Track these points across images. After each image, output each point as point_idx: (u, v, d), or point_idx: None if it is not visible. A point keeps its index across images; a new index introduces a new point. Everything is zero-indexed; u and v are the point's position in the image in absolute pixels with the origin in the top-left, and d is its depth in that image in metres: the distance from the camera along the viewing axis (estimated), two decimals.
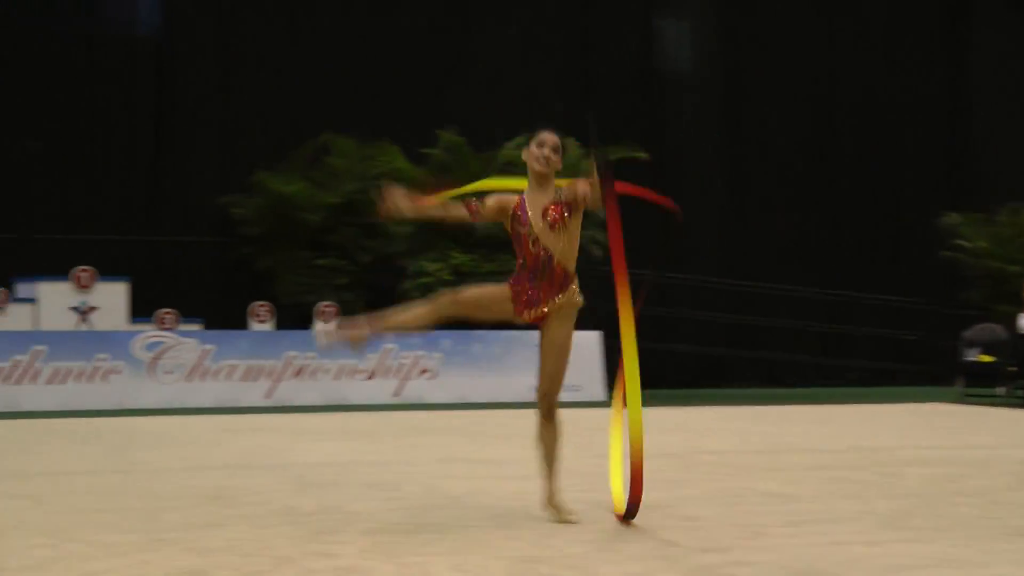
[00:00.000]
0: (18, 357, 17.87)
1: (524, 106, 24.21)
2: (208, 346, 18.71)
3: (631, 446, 7.43)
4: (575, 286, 7.82)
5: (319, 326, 8.02)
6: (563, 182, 7.89)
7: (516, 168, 18.19)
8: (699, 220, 24.85)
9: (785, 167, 26.83)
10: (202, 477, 10.21)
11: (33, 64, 22.00)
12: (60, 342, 18.19)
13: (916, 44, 27.90)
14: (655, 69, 26.28)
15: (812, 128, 27.17)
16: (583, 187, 7.57)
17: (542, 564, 6.43)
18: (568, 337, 7.78)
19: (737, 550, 6.82)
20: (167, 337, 18.63)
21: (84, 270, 19.23)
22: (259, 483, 9.78)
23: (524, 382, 19.98)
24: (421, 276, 20.74)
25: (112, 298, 19.42)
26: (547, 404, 7.83)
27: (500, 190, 8.13)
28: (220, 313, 22.15)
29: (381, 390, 19.49)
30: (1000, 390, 20.52)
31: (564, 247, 7.73)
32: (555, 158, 7.83)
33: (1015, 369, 20.24)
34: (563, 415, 7.92)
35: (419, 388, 19.66)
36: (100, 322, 19.14)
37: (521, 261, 7.78)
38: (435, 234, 21.35)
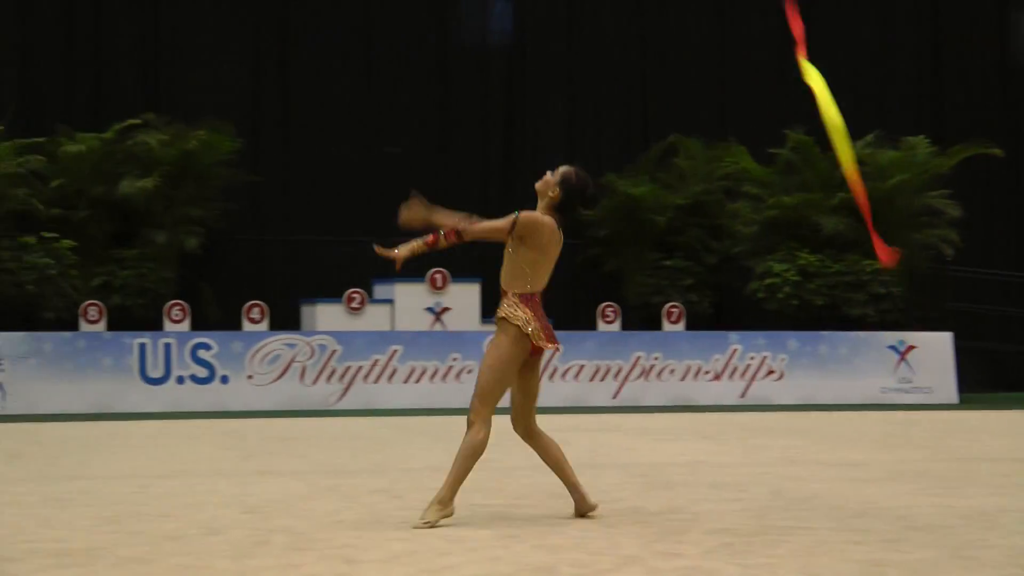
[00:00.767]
0: (376, 356, 18.50)
1: (871, 105, 23.73)
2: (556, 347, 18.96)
3: None
4: None
5: None
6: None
7: (865, 168, 17.64)
8: None
9: None
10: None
11: (390, 74, 22.72)
12: (415, 342, 18.74)
13: None
14: (1009, 64, 25.36)
15: None
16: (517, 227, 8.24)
17: (890, 568, 6.30)
18: None
19: None
20: None
21: (439, 272, 19.75)
22: (606, 482, 9.86)
23: (873, 384, 19.61)
24: (767, 277, 20.56)
25: (465, 299, 19.88)
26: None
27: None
28: (568, 314, 22.42)
29: (727, 391, 19.40)
30: None
31: (506, 271, 8.30)
32: (540, 186, 8.63)
33: None
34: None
35: (765, 389, 19.49)
36: (453, 322, 19.63)
37: (541, 289, 8.19)
38: (781, 234, 21.13)
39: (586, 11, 23.64)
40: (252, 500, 8.83)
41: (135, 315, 19.18)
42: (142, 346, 17.65)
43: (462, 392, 18.41)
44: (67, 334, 17.57)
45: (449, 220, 8.38)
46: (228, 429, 14.89)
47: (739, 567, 6.41)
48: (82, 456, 11.98)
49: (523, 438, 8.29)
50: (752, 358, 19.53)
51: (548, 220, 8.29)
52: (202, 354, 17.82)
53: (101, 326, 17.99)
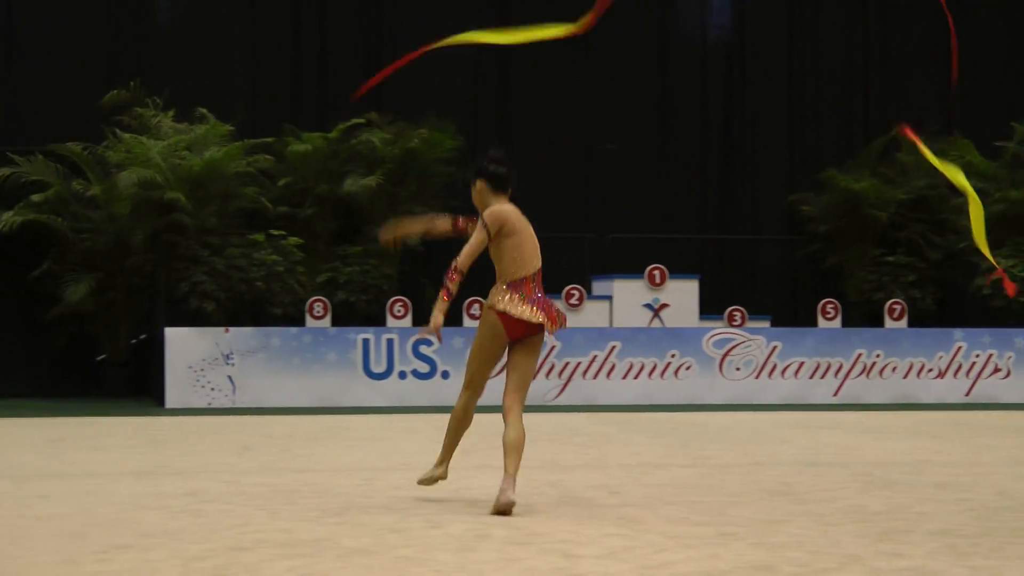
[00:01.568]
0: (595, 352, 18.56)
1: None
2: (776, 343, 18.81)
3: None
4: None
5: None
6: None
7: None
8: None
9: None
10: (769, 473, 10.29)
11: (607, 70, 22.74)
12: (634, 338, 18.75)
13: None
14: None
15: None
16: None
17: None
18: None
19: None
20: (736, 334, 18.86)
21: (657, 268, 19.72)
22: (826, 480, 9.76)
23: None
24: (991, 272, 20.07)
25: (683, 296, 19.81)
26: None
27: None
28: (788, 310, 22.20)
29: (952, 389, 18.99)
30: None
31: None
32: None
33: None
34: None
35: (991, 387, 19.03)
36: (671, 319, 19.57)
37: (534, 269, 8.74)
38: (1008, 229, 20.59)
39: (807, 3, 23.35)
40: (472, 494, 8.94)
41: (359, 311, 19.55)
42: (366, 341, 17.98)
43: (681, 388, 18.39)
44: (293, 329, 17.99)
45: (442, 224, 9.50)
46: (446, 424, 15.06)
47: (964, 569, 6.29)
48: (308, 449, 12.26)
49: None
50: (977, 356, 19.09)
51: (506, 206, 8.80)
52: (424, 350, 18.09)
53: (326, 322, 18.38)
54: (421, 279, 20.51)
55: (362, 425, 14.99)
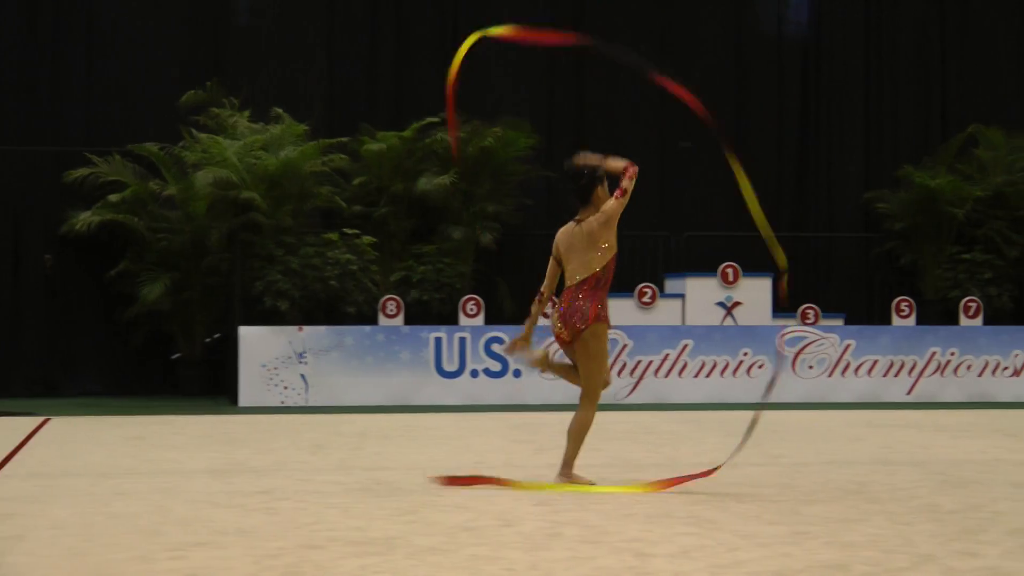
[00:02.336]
0: (667, 351, 18.49)
1: None
2: (849, 341, 18.66)
3: None
4: None
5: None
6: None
7: None
8: None
9: None
10: (843, 471, 10.22)
11: (683, 67, 22.65)
12: (707, 337, 18.66)
13: None
14: None
15: None
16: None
17: None
18: None
19: None
20: (809, 332, 18.73)
21: (730, 266, 19.62)
22: (900, 479, 9.68)
23: None
24: None
25: (756, 293, 19.70)
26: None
27: None
28: (862, 308, 22.02)
29: None
30: None
31: None
32: None
33: None
34: None
35: None
36: (744, 317, 19.47)
37: (606, 284, 9.67)
38: None
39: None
40: (544, 493, 8.94)
41: (432, 309, 19.59)
42: (438, 340, 18.01)
43: (753, 387, 18.28)
44: (367, 328, 18.04)
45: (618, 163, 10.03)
46: (521, 423, 15.10)
47: None
48: (380, 447, 12.31)
49: None
50: None
51: (561, 229, 10.11)
52: (496, 348, 18.10)
53: (399, 320, 18.42)
54: (494, 277, 20.53)
55: (434, 423, 15.03)
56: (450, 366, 18.03)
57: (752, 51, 22.83)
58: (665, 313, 19.29)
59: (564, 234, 9.82)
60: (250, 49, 21.28)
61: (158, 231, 19.18)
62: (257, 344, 17.53)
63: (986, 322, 19.71)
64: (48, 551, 6.77)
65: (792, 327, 18.68)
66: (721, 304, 19.52)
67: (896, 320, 19.29)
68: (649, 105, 22.36)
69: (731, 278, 19.53)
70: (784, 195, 22.76)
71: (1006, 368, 18.75)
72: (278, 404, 17.45)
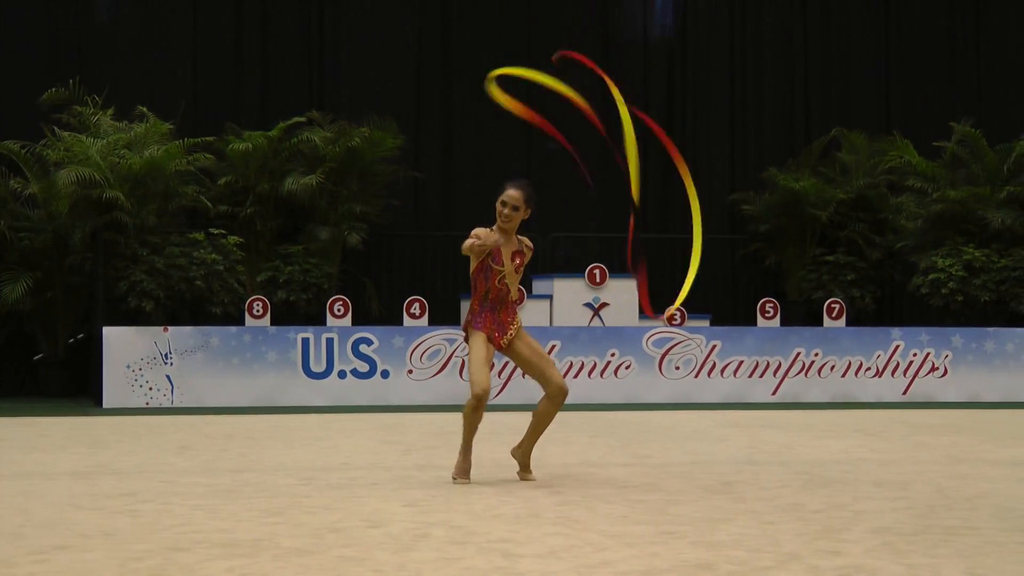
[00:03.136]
0: None
1: None
2: (715, 342, 18.86)
3: None
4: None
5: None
6: None
7: None
8: None
9: None
10: (709, 471, 10.33)
11: (552, 69, 22.74)
12: (573, 337, 18.73)
13: None
14: None
15: None
16: (529, 252, 9.94)
17: None
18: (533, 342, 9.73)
19: None
20: (675, 333, 18.89)
21: (597, 267, 19.73)
22: (765, 479, 9.80)
23: None
24: (931, 272, 20.22)
25: (624, 295, 19.82)
26: (565, 389, 9.57)
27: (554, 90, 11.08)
28: (728, 309, 22.29)
29: (890, 388, 19.09)
30: None
31: (515, 286, 9.77)
32: (514, 216, 9.88)
33: None
34: None
35: (929, 386, 19.15)
36: (612, 318, 19.58)
37: (483, 294, 9.61)
38: (947, 229, 20.76)
39: (748, 3, 23.43)
40: (412, 494, 8.92)
41: (299, 310, 19.48)
42: (305, 340, 17.90)
43: (621, 388, 18.41)
44: (233, 328, 17.87)
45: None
46: (389, 423, 15.06)
47: (902, 567, 6.33)
48: (247, 449, 12.20)
49: None
50: (915, 355, 19.21)
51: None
52: (363, 349, 18.02)
53: (266, 321, 18.28)
54: (362, 278, 20.46)
55: (301, 424, 14.93)
56: (317, 367, 17.93)
57: (617, 54, 22.98)
58: (533, 314, 19.34)
59: None
60: (113, 46, 21.02)
61: (19, 230, 18.85)
62: (121, 345, 17.28)
63: (849, 323, 20.03)
64: None
65: (659, 328, 18.82)
66: (588, 305, 19.63)
67: (761, 321, 19.54)
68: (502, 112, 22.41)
69: (598, 279, 19.65)
70: (650, 197, 22.95)
71: (868, 369, 19.06)
72: (143, 405, 17.22)
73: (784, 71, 23.53)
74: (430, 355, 18.14)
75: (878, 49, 23.77)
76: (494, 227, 9.80)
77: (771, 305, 19.72)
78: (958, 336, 19.26)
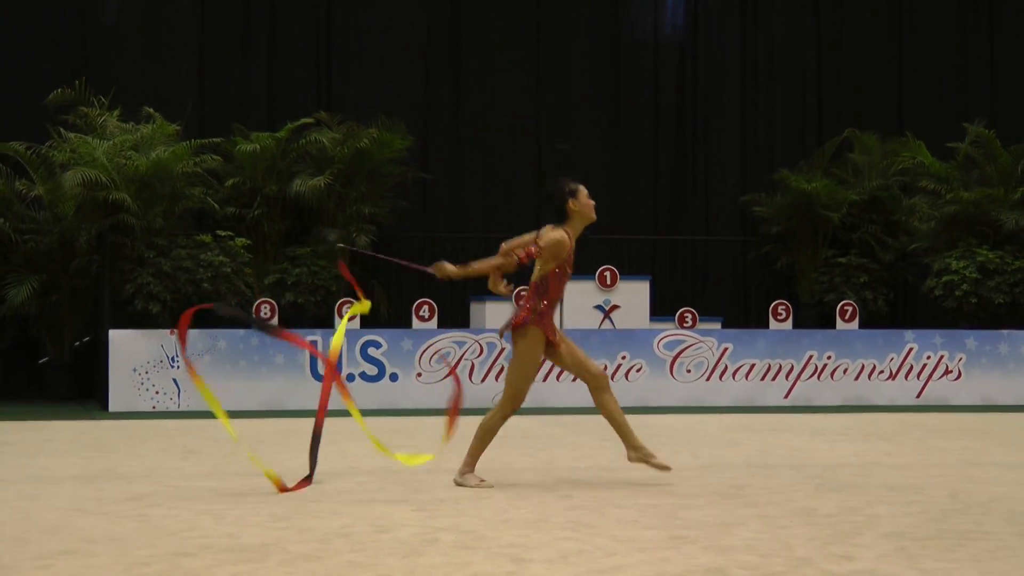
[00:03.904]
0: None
1: None
2: (727, 345, 18.84)
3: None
4: None
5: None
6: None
7: None
8: None
9: None
10: (720, 475, 10.32)
11: (560, 69, 22.76)
12: (584, 340, 18.69)
13: None
14: None
15: None
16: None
17: None
18: None
19: None
20: (687, 335, 18.88)
21: (608, 269, 19.72)
22: (777, 483, 9.79)
23: None
24: (945, 274, 20.18)
25: (634, 297, 19.82)
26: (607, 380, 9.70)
27: None
28: (739, 311, 22.28)
29: (903, 391, 19.07)
30: None
31: None
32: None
33: None
34: None
35: (943, 389, 19.13)
36: (622, 320, 19.58)
37: (548, 300, 9.53)
38: (960, 230, 20.73)
39: (760, 3, 23.42)
40: (421, 498, 8.91)
41: (307, 312, 19.49)
42: (313, 344, 17.89)
43: (631, 391, 18.38)
44: (241, 331, 17.88)
45: (485, 265, 9.79)
46: (397, 427, 15.06)
47: (915, 571, 6.31)
48: (255, 453, 12.19)
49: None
50: (929, 357, 19.18)
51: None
52: (372, 352, 18.03)
53: (274, 323, 18.27)
54: (370, 280, 20.46)
55: (309, 428, 14.88)
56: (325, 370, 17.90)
57: (628, 54, 22.99)
58: None
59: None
60: (119, 48, 21.04)
61: (25, 232, 18.87)
62: (128, 348, 17.29)
63: (862, 325, 20.00)
64: None
65: (670, 331, 18.81)
66: (599, 307, 19.62)
67: (773, 324, 19.52)
68: (526, 107, 22.46)
69: (608, 281, 19.64)
70: (661, 198, 22.95)
71: (881, 372, 19.04)
72: (149, 409, 17.23)
73: (796, 71, 23.51)
74: (439, 358, 18.13)
75: (890, 49, 23.74)
76: (565, 226, 9.60)
77: (783, 307, 19.70)
78: (972, 338, 19.24)
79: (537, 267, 9.60)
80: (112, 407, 17.16)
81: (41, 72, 20.32)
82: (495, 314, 19.28)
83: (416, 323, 18.59)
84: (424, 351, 18.12)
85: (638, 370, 18.54)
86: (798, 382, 18.88)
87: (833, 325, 19.93)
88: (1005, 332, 19.36)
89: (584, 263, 20.96)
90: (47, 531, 7.53)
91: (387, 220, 20.72)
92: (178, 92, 20.82)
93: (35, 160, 18.92)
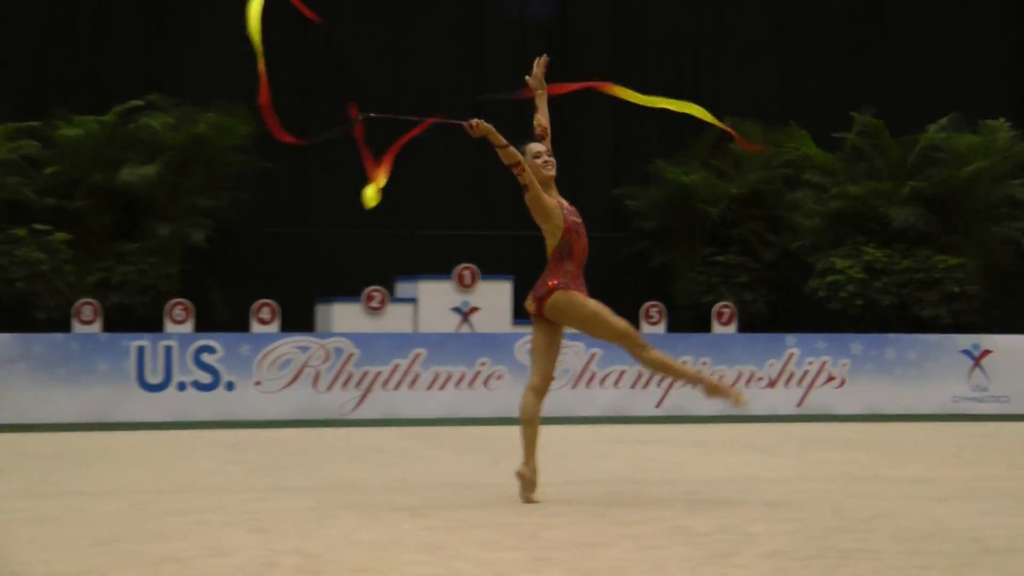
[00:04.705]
0: (397, 361, 18.47)
1: (948, 85, 23.60)
2: (595, 350, 18.92)
3: None
4: None
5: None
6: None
7: (939, 154, 17.68)
8: None
9: None
10: (587, 491, 10.35)
11: (420, 51, 22.70)
12: (441, 345, 18.71)
13: None
14: None
15: None
16: None
17: None
18: None
19: None
20: None
21: (467, 268, 19.75)
22: (649, 499, 9.84)
23: (945, 392, 19.50)
24: (830, 274, 20.49)
25: (496, 298, 19.86)
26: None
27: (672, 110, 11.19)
28: None
29: (783, 400, 19.31)
30: None
31: None
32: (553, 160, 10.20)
33: None
34: None
35: (826, 397, 19.40)
36: (482, 324, 19.61)
37: (570, 256, 10.27)
38: (846, 227, 21.05)
39: None
40: (260, 519, 8.84)
41: (135, 315, 19.27)
42: (140, 349, 17.69)
43: (491, 400, 18.41)
44: (59, 336, 17.63)
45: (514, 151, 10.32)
46: (234, 440, 14.94)
47: None
48: (74, 470, 12.02)
49: None
50: (811, 363, 19.45)
51: None
52: (206, 358, 17.87)
53: (96, 327, 18.06)
54: (206, 279, 20.28)
55: (136, 442, 14.75)
56: (154, 378, 17.72)
57: (493, 36, 23.01)
58: (395, 319, 19.32)
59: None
60: None
61: None
62: None
63: (740, 329, 20.22)
64: None
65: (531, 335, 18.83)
66: (457, 310, 19.63)
67: (645, 327, 19.66)
68: (381, 89, 22.38)
69: (468, 281, 19.67)
70: (520, 190, 22.96)
71: (761, 379, 19.26)
72: None
73: (672, 54, 23.69)
74: (281, 365, 18.02)
75: (774, 32, 24.02)
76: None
77: (656, 309, 19.86)
78: (857, 343, 19.53)
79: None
80: None
81: None
82: (343, 316, 19.20)
83: (256, 326, 18.46)
84: (264, 357, 17.99)
85: (499, 377, 18.57)
86: (671, 390, 19.01)
87: (710, 328, 20.13)
88: (892, 336, 19.69)
89: (442, 261, 21.01)
90: None
91: (226, 214, 20.54)
92: None
93: None
